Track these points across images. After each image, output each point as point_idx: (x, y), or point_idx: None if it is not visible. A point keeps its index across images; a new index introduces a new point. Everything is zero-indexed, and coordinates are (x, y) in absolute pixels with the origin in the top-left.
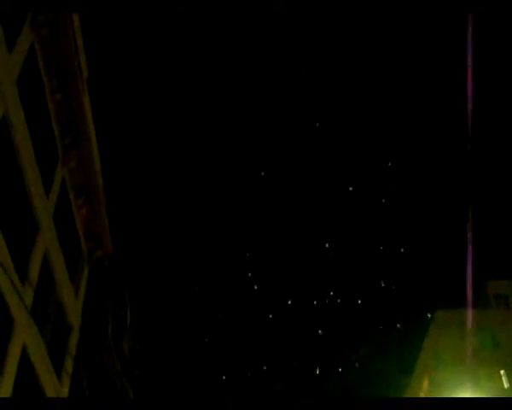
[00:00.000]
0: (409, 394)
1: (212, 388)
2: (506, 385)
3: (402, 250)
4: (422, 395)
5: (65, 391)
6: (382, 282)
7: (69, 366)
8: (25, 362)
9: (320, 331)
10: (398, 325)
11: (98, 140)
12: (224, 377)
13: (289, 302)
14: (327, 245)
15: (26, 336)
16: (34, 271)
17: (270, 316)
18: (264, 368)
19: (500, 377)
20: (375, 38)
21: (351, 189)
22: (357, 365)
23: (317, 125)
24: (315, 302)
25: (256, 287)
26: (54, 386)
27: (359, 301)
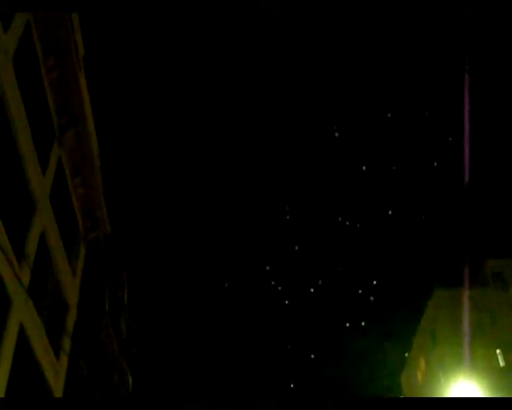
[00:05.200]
0: (406, 373)
1: (209, 367)
2: (502, 364)
3: (401, 229)
4: (419, 374)
5: (62, 370)
6: (381, 260)
7: (67, 344)
8: (22, 341)
9: (317, 314)
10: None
11: (95, 120)
12: (220, 358)
13: (285, 288)
14: (323, 232)
15: (23, 315)
16: (31, 249)
17: (268, 301)
18: (260, 353)
19: (496, 356)
20: (375, 38)
21: (347, 169)
22: (355, 350)
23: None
24: (311, 289)
25: (255, 270)
26: (51, 365)
27: (357, 280)
